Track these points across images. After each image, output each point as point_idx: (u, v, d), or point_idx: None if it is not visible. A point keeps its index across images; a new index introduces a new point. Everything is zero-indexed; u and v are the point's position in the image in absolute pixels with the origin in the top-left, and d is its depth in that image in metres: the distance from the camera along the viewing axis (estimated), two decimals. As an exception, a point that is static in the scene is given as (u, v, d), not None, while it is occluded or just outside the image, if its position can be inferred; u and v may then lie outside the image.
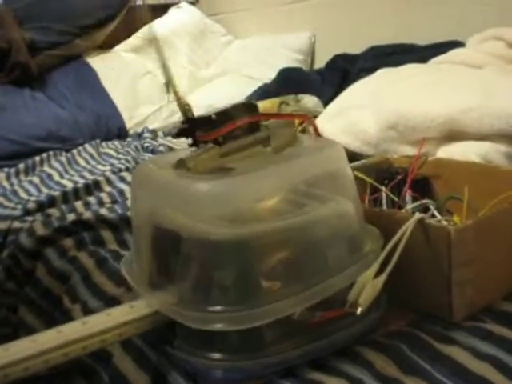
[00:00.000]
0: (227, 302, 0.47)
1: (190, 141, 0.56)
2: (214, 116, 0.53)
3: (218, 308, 0.47)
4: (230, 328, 0.47)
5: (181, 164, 0.53)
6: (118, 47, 2.34)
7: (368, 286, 0.48)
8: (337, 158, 0.55)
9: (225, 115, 0.54)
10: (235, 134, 0.54)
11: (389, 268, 0.50)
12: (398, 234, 0.52)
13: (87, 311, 0.65)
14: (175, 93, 0.57)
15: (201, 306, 0.47)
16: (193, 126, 0.55)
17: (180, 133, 0.56)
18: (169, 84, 0.57)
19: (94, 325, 0.49)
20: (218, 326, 0.46)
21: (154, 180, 0.56)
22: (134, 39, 2.35)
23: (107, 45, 2.32)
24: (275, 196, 0.50)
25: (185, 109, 0.56)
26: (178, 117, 1.99)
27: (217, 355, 0.48)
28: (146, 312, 0.51)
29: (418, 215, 0.54)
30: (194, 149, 0.55)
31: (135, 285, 0.55)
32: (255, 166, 0.51)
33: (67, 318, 0.65)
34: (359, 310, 0.48)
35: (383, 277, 0.50)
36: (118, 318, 0.50)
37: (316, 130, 0.61)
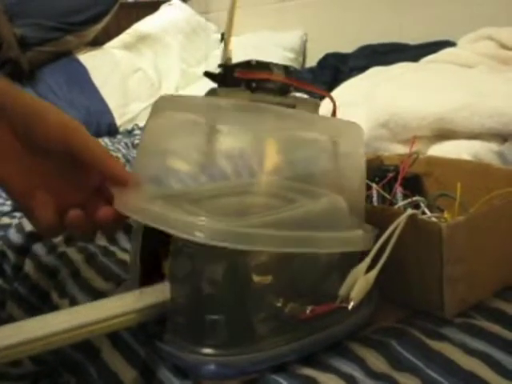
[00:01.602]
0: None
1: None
2: (253, 61, 0.54)
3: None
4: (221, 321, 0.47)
5: (212, 93, 0.53)
6: (108, 44, 2.33)
7: (360, 280, 0.48)
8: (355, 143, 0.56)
9: (264, 66, 0.54)
10: (267, 86, 0.54)
11: (380, 263, 0.50)
12: (390, 229, 0.52)
13: (76, 306, 0.65)
14: (226, 44, 0.57)
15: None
16: (228, 72, 0.55)
17: (212, 75, 0.56)
18: (225, 34, 0.58)
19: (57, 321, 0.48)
20: (211, 318, 0.47)
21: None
22: (125, 36, 2.34)
23: (98, 42, 2.32)
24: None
25: (226, 60, 0.56)
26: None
27: (208, 350, 0.48)
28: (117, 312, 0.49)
29: (409, 211, 0.54)
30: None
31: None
32: None
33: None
34: (351, 305, 0.48)
35: (375, 271, 0.50)
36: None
37: (335, 112, 0.62)
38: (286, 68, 0.56)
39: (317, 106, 0.58)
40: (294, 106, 0.56)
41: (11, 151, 0.55)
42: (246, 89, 0.53)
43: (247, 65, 0.54)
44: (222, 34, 0.62)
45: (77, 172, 0.57)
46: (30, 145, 0.55)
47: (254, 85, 0.53)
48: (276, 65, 0.56)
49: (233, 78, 0.54)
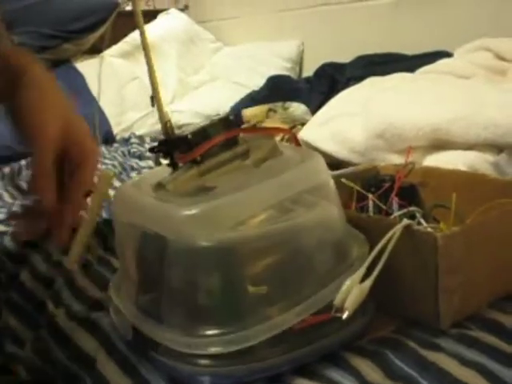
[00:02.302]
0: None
1: (168, 161, 0.56)
2: (190, 136, 0.53)
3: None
4: (218, 333, 0.47)
5: (160, 187, 0.52)
6: (106, 52, 2.33)
7: (354, 290, 0.48)
8: (319, 171, 0.55)
9: (201, 134, 0.54)
10: (213, 150, 0.53)
11: (375, 272, 0.50)
12: (385, 239, 0.52)
13: (71, 315, 0.64)
14: (159, 107, 0.57)
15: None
16: (170, 147, 0.55)
17: (152, 149, 0.56)
18: (154, 98, 0.57)
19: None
20: (207, 331, 0.47)
21: (135, 204, 0.55)
22: (123, 44, 2.34)
23: (96, 50, 2.32)
24: (260, 215, 0.50)
25: (166, 125, 0.55)
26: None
27: (203, 361, 0.48)
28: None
29: (405, 221, 0.54)
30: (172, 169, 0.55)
31: (123, 308, 0.55)
32: (237, 184, 0.51)
33: (51, 322, 0.64)
34: (345, 315, 0.47)
35: (370, 281, 0.50)
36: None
37: (296, 141, 0.62)
38: (224, 121, 0.55)
39: (274, 147, 0.56)
40: (247, 152, 0.55)
41: None
42: (193, 164, 0.53)
43: (185, 142, 0.53)
44: (152, 98, 0.58)
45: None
46: None
47: (198, 158, 0.53)
48: (213, 123, 0.55)
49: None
